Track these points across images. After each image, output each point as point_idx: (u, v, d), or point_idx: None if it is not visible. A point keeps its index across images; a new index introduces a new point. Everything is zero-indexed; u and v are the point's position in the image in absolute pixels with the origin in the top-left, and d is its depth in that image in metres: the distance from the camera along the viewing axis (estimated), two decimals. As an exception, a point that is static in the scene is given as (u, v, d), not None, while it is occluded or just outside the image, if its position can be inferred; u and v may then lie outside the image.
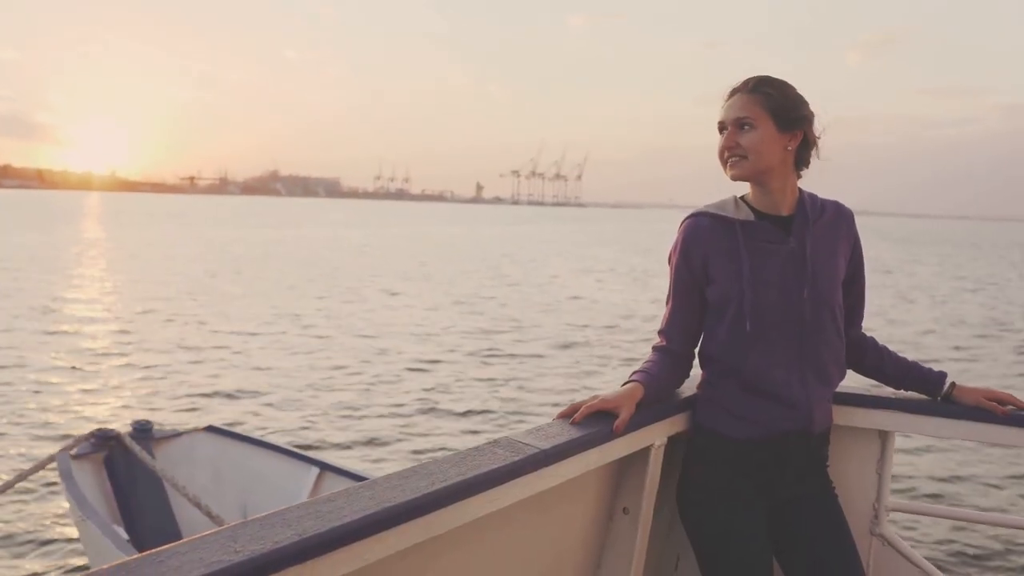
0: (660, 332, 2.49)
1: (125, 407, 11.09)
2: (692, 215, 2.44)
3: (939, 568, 2.71)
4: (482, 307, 22.92)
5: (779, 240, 2.33)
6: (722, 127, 2.32)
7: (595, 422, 2.18)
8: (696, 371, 2.60)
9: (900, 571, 2.66)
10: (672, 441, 2.49)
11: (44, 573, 6.33)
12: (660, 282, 31.48)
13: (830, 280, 2.34)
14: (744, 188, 2.41)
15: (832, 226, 2.39)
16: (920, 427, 2.61)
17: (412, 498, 1.61)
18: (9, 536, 6.90)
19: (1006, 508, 8.32)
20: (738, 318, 2.31)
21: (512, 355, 15.79)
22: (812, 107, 2.35)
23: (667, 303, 2.48)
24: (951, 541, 7.19)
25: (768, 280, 2.31)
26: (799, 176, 2.38)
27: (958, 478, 9.05)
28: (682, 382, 2.52)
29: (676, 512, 2.72)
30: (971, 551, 7.06)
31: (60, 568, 6.41)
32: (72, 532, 6.67)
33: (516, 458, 1.88)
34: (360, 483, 1.67)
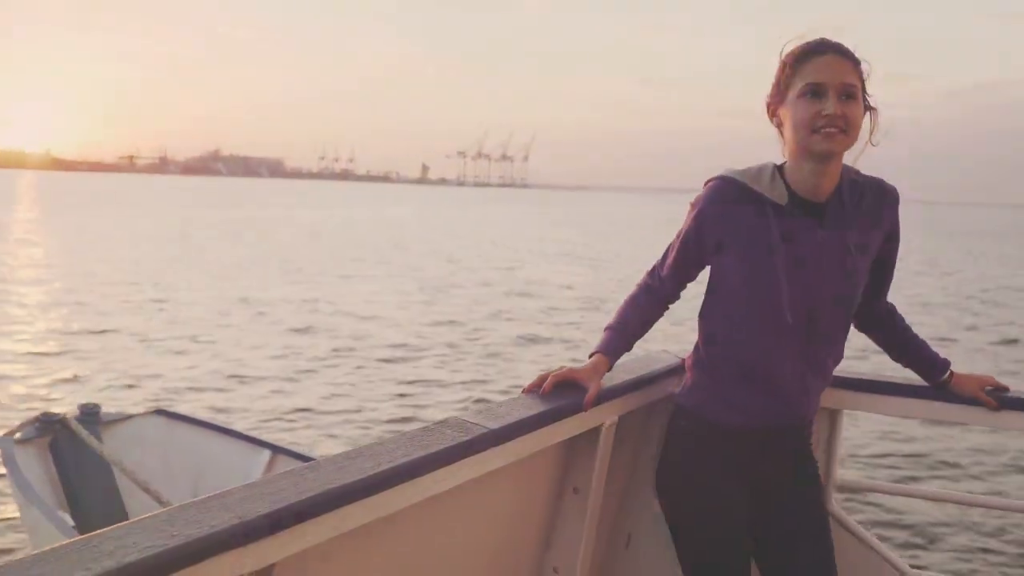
0: (652, 271, 2.38)
1: (72, 391, 10.88)
2: (720, 178, 2.19)
3: (888, 544, 2.76)
4: (440, 290, 22.80)
5: (809, 229, 2.11)
6: (818, 90, 2.01)
7: (547, 400, 2.18)
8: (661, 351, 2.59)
9: (849, 548, 2.67)
10: (622, 420, 2.48)
11: (-13, 561, 6.19)
12: (621, 267, 31.68)
13: (851, 277, 2.15)
14: (772, 157, 2.19)
15: (869, 214, 2.16)
16: (869, 405, 2.66)
17: (357, 479, 1.59)
18: (-50, 523, 6.73)
19: (954, 484, 8.49)
20: (759, 308, 2.15)
21: (477, 340, 15.76)
22: None
23: (671, 248, 2.32)
24: (900, 517, 7.32)
25: (792, 272, 2.11)
26: None
27: (909, 455, 9.23)
28: (656, 321, 2.43)
29: (627, 491, 2.76)
30: (919, 527, 7.21)
31: (4, 554, 6.27)
32: (16, 518, 6.50)
33: (464, 438, 1.87)
34: (305, 465, 1.65)
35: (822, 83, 1.99)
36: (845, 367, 2.52)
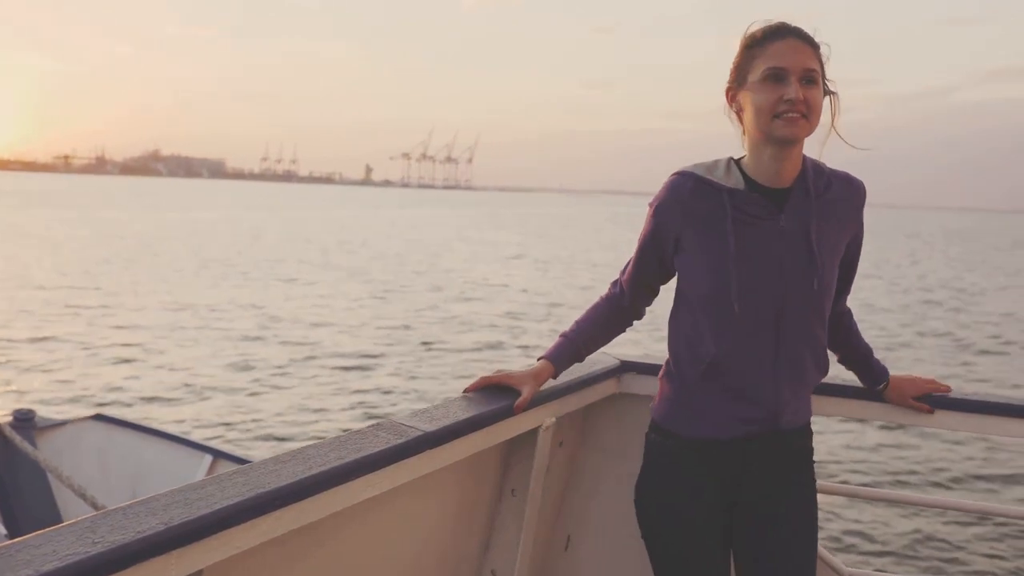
0: (616, 280, 2.31)
1: (6, 396, 10.67)
2: (677, 173, 2.10)
3: (825, 545, 2.73)
4: (390, 294, 22.66)
5: (769, 216, 2.02)
6: (779, 74, 1.95)
7: (485, 402, 2.16)
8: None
9: None
10: (560, 421, 2.47)
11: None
12: (570, 270, 31.72)
13: (823, 267, 2.04)
14: (733, 149, 2.12)
15: (837, 204, 2.07)
16: (836, 409, 2.62)
17: (288, 483, 1.56)
18: None
19: (893, 483, 8.65)
20: (715, 301, 2.05)
21: (424, 342, 15.72)
22: None
23: (634, 253, 2.23)
24: (836, 518, 7.42)
25: (752, 261, 2.02)
26: None
27: (846, 455, 9.42)
28: (616, 334, 2.35)
29: (566, 493, 2.77)
30: (857, 527, 7.32)
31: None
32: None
33: (399, 441, 1.85)
34: (235, 469, 1.61)
35: (783, 67, 1.95)
36: None
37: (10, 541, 1.25)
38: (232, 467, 5.35)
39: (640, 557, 2.24)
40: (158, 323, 16.66)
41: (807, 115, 1.95)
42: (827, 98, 2.03)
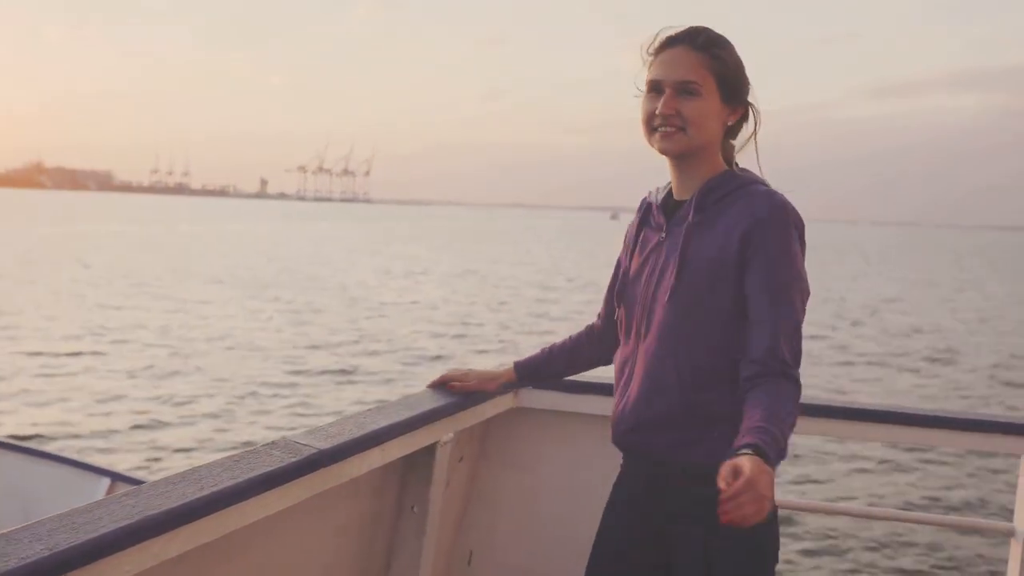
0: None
1: None
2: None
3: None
4: (292, 311, 22.12)
5: (659, 228, 2.01)
6: (656, 87, 1.92)
7: (381, 419, 2.15)
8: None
9: None
10: (459, 436, 2.48)
11: None
12: (477, 285, 31.68)
13: (685, 282, 1.91)
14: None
15: (727, 222, 1.90)
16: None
17: (177, 505, 1.53)
18: None
19: (836, 497, 8.79)
20: (610, 306, 2.15)
21: (334, 360, 15.43)
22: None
23: None
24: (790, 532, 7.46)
25: (636, 270, 2.03)
26: (728, 161, 2.02)
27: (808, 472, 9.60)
28: (588, 359, 2.31)
29: (467, 508, 2.78)
30: (807, 539, 7.47)
31: None
32: None
33: (293, 459, 1.83)
34: (125, 491, 1.59)
35: (659, 80, 1.91)
36: None
37: None
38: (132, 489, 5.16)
39: (543, 570, 2.24)
40: (53, 342, 16.07)
41: (684, 128, 1.89)
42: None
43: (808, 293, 1.91)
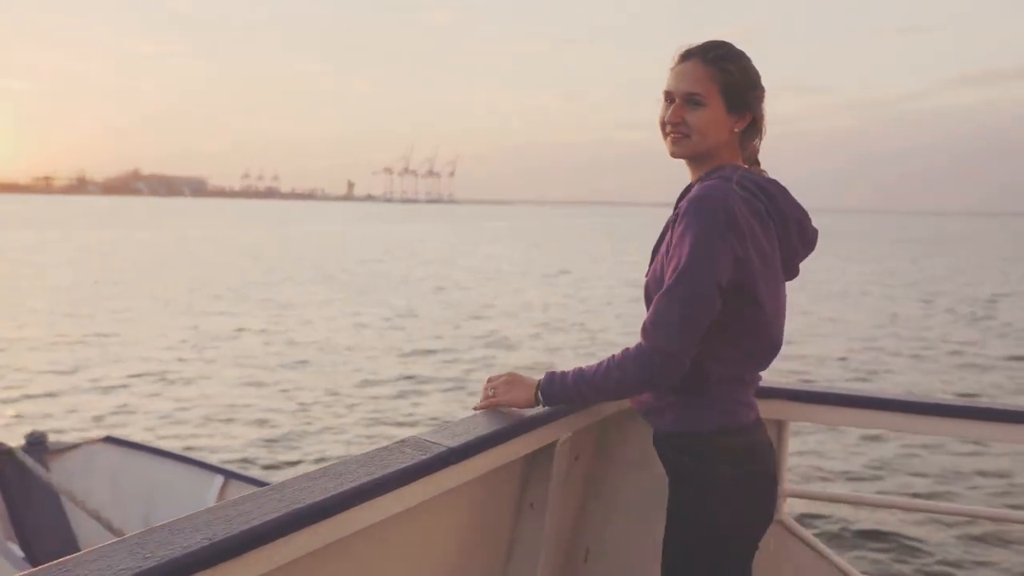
0: None
1: (17, 420, 10.63)
2: None
3: (836, 551, 2.81)
4: (405, 316, 21.75)
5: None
6: (669, 97, 2.13)
7: (504, 418, 2.21)
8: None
9: (799, 555, 2.72)
10: (577, 435, 2.50)
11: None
12: (577, 285, 31.30)
13: (653, 270, 2.16)
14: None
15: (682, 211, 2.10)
16: (812, 416, 2.73)
17: (320, 499, 1.60)
18: None
19: (897, 491, 8.64)
20: None
21: (438, 360, 15.43)
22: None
23: None
24: (848, 525, 7.44)
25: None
26: (750, 161, 2.19)
27: (853, 463, 9.42)
28: None
29: (584, 505, 2.79)
30: (866, 533, 7.34)
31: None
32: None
33: (424, 456, 1.88)
34: (269, 486, 1.66)
35: (670, 91, 2.12)
36: (791, 378, 2.62)
37: (68, 557, 1.30)
38: (243, 487, 5.38)
39: (658, 568, 2.28)
40: (165, 347, 16.45)
41: (689, 135, 2.09)
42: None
43: (699, 272, 1.99)
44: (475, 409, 2.30)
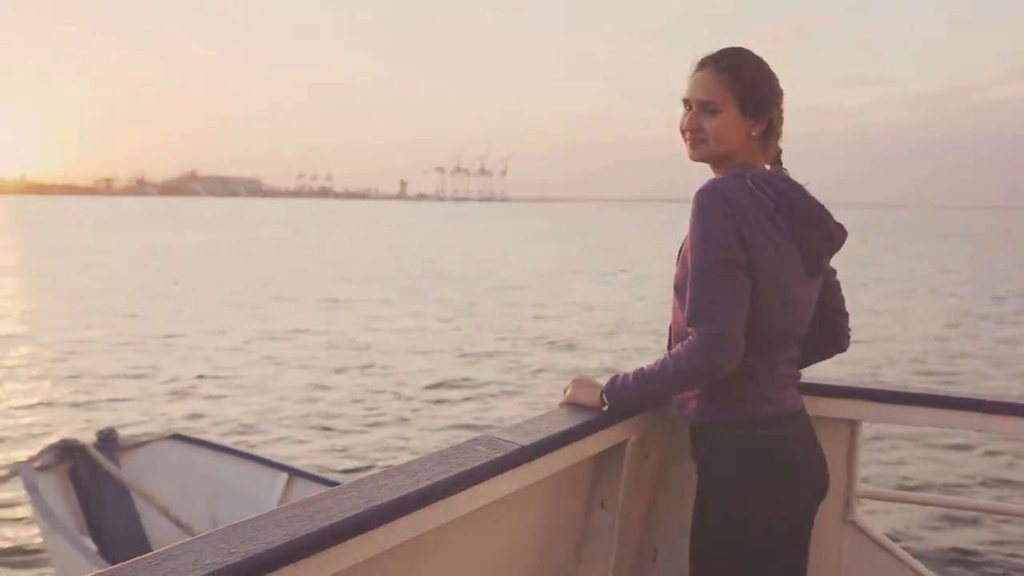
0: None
1: (88, 417, 10.88)
2: None
3: (910, 553, 2.75)
4: (466, 315, 21.65)
5: None
6: (687, 104, 2.23)
7: (576, 416, 2.22)
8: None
9: (872, 557, 2.69)
10: (647, 434, 2.51)
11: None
12: (634, 284, 31.07)
13: (677, 277, 2.23)
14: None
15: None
16: (886, 415, 2.69)
17: (398, 496, 1.62)
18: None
19: (973, 492, 8.47)
20: None
21: (502, 361, 15.32)
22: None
23: None
24: (922, 526, 7.31)
25: None
26: (772, 161, 2.26)
27: (928, 464, 9.23)
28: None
29: (653, 505, 2.77)
30: (941, 536, 7.20)
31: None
32: (39, 545, 6.56)
33: (498, 455, 1.89)
34: (347, 483, 1.69)
35: (687, 99, 2.22)
36: (861, 378, 2.59)
37: (156, 551, 1.34)
38: (307, 484, 5.45)
39: None
40: (229, 347, 16.61)
41: (706, 139, 2.19)
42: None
43: (713, 255, 2.05)
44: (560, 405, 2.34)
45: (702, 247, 2.07)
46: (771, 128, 2.22)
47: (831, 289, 2.37)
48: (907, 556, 2.70)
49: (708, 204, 2.08)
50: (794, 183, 2.20)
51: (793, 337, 2.22)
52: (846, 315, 2.44)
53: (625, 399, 2.24)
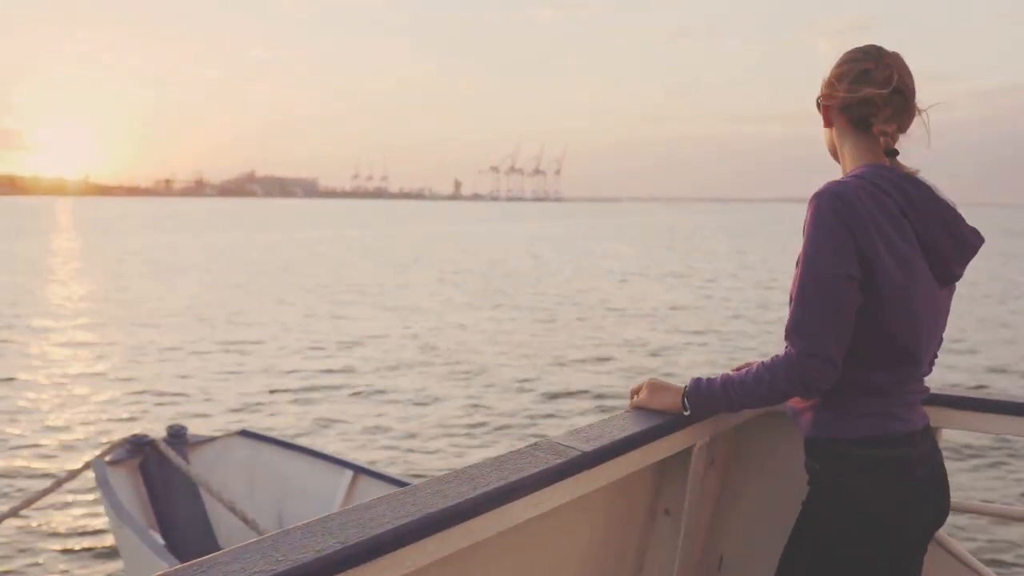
0: None
1: (158, 413, 11.09)
2: None
3: (995, 571, 2.61)
4: (549, 319, 21.14)
5: None
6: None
7: (639, 422, 2.14)
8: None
9: (953, 574, 2.57)
10: (713, 440, 2.44)
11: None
12: (708, 284, 30.68)
13: (793, 283, 2.07)
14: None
15: None
16: (968, 423, 2.55)
17: (454, 504, 1.58)
18: (47, 543, 6.92)
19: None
20: None
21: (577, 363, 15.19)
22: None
23: None
24: (1007, 541, 7.05)
25: None
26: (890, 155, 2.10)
27: (1012, 476, 8.95)
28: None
29: (718, 512, 2.70)
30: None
31: (99, 573, 6.42)
32: (109, 539, 6.67)
33: (558, 461, 1.84)
34: (402, 489, 1.65)
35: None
36: (943, 383, 2.47)
37: (203, 558, 1.33)
38: (371, 482, 5.45)
39: None
40: (291, 338, 16.84)
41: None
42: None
43: (823, 268, 1.94)
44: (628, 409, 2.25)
45: (812, 257, 1.96)
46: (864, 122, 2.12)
47: None
48: (991, 573, 2.57)
49: (822, 209, 1.97)
50: (919, 180, 2.06)
51: (923, 351, 2.07)
52: (941, 340, 2.25)
53: (710, 407, 2.15)
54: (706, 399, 2.13)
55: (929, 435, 2.13)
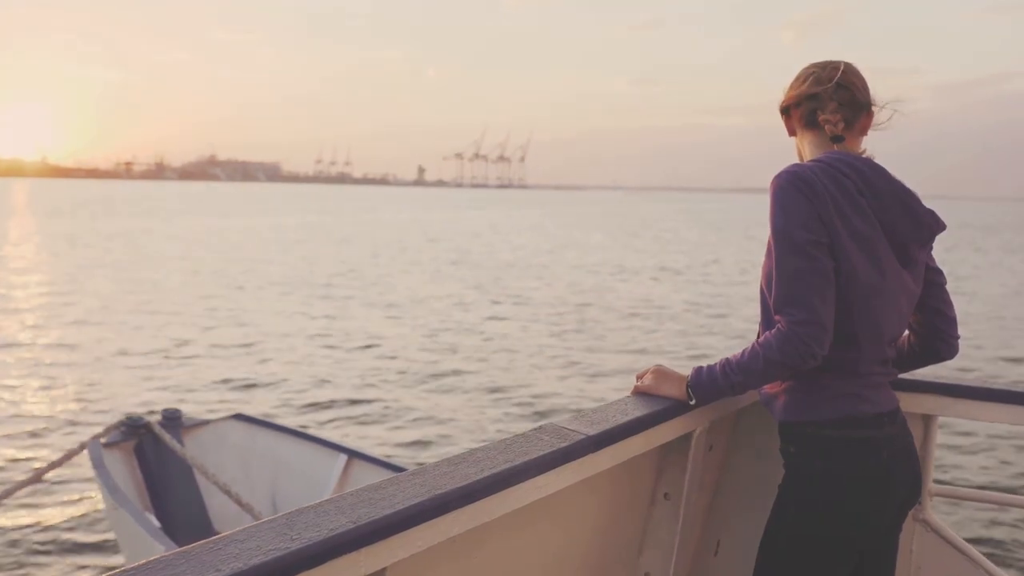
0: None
1: (152, 395, 11.06)
2: None
3: (983, 553, 2.67)
4: (508, 294, 21.38)
5: None
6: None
7: (642, 406, 2.18)
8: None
9: (943, 556, 2.63)
10: (713, 426, 2.47)
11: (78, 561, 6.33)
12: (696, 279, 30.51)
13: (764, 270, 2.15)
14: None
15: None
16: (963, 411, 2.58)
17: (462, 485, 1.62)
18: (42, 524, 6.89)
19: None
20: None
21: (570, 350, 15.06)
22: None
23: None
24: (994, 526, 7.17)
25: None
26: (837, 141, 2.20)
27: (1002, 463, 9.04)
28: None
29: (716, 497, 2.75)
30: (1015, 536, 7.05)
31: (94, 554, 6.41)
32: (104, 520, 6.66)
33: (562, 444, 1.88)
34: (410, 471, 1.69)
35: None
36: (939, 373, 2.51)
37: (219, 536, 1.35)
38: (365, 466, 5.50)
39: None
40: (282, 322, 16.72)
41: None
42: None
43: (794, 238, 2.01)
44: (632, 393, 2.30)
45: (782, 230, 2.02)
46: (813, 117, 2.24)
47: (935, 290, 2.27)
48: (980, 557, 2.63)
49: (782, 186, 2.05)
50: (873, 163, 2.14)
51: (885, 330, 2.11)
52: (951, 320, 2.30)
53: (714, 392, 2.18)
54: (708, 386, 2.17)
55: (899, 417, 2.17)
